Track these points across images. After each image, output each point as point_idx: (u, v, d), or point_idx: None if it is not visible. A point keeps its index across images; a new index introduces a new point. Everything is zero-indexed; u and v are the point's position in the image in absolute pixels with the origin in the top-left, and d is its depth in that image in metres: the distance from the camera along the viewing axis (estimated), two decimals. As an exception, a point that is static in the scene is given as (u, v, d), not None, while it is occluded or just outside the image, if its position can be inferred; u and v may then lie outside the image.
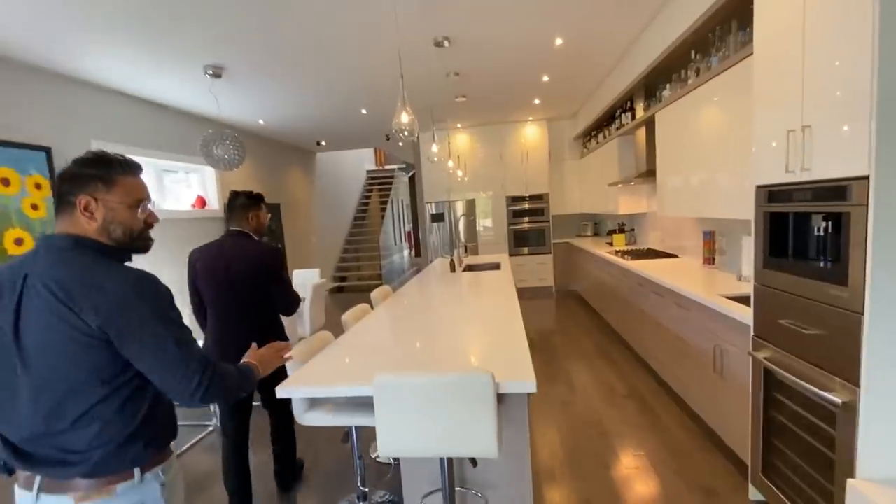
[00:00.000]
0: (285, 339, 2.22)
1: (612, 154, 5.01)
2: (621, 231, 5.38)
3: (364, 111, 5.52)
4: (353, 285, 8.95)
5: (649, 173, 4.07)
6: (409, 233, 14.90)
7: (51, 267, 0.93)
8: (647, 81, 4.00)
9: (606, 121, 5.48)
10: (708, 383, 2.45)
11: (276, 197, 6.98)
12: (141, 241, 1.07)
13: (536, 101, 5.64)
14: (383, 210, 10.73)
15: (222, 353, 1.97)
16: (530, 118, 6.70)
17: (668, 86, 3.51)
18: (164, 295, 0.99)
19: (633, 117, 4.43)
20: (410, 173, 12.43)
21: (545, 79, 4.67)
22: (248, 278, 2.05)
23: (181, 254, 4.71)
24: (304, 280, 4.60)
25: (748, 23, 2.15)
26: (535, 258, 6.91)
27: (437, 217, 7.14)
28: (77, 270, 0.93)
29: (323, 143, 7.61)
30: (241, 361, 1.22)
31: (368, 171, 11.86)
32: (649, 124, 4.08)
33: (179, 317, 1.01)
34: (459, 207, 7.09)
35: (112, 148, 1.16)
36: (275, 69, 3.86)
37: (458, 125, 6.85)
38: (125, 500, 0.97)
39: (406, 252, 13.96)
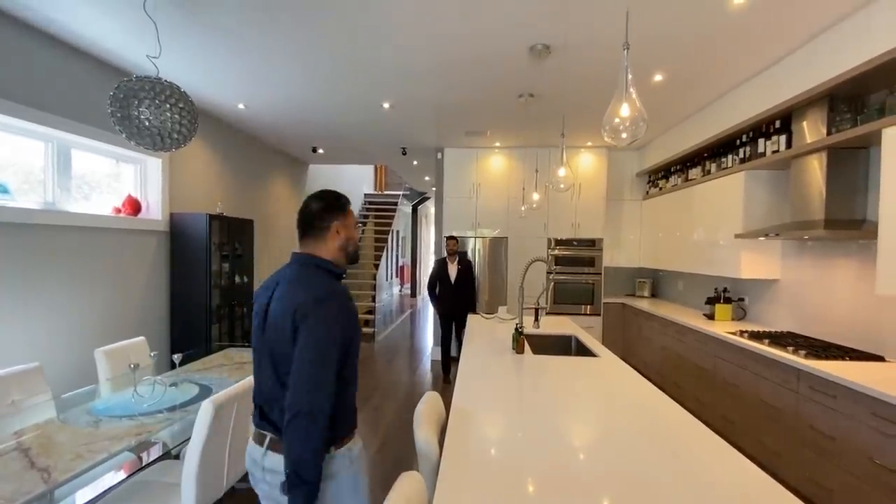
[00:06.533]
0: None
1: (734, 193, 3.59)
2: (727, 301, 3.90)
3: (387, 105, 4.02)
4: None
5: (830, 224, 2.65)
6: (401, 267, 13.24)
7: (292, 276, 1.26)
8: (834, 91, 2.65)
9: (708, 152, 4.13)
10: None
11: (249, 211, 5.33)
12: None
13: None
14: (379, 241, 9.15)
15: None
16: (589, 143, 5.33)
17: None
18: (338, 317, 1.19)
19: (790, 143, 3.05)
20: (415, 201, 10.92)
21: (657, 78, 3.29)
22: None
23: (87, 291, 2.68)
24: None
25: None
26: (580, 319, 5.35)
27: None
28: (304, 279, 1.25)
29: (321, 150, 6.06)
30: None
31: (366, 195, 10.32)
32: (835, 151, 2.69)
33: (338, 343, 1.16)
34: (479, 245, 5.60)
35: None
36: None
37: (497, 144, 5.43)
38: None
39: (396, 289, 12.28)
